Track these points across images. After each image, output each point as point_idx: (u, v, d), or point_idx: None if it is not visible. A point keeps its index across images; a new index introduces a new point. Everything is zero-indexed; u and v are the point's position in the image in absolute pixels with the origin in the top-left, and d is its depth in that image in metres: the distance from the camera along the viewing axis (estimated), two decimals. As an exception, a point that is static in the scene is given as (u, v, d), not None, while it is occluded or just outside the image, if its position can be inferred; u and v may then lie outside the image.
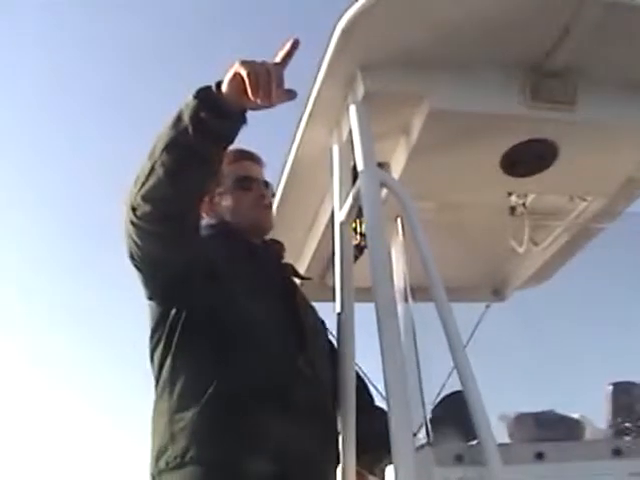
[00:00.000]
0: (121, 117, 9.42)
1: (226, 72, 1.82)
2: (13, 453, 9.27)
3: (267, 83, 1.75)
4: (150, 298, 2.14)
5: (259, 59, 1.80)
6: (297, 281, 2.50)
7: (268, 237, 2.45)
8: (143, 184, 1.90)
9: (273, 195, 2.51)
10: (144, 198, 1.91)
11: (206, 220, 2.36)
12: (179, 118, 1.85)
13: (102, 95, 8.82)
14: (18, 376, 10.62)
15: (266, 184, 2.45)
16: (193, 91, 1.85)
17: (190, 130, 1.82)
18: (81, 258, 9.88)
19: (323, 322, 2.45)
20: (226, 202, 2.39)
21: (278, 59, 1.81)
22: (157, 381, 2.13)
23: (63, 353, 10.57)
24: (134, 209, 1.94)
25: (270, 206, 2.45)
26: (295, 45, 1.82)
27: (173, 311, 2.10)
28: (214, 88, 1.84)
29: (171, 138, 1.86)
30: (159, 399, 2.10)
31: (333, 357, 2.26)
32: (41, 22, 8.61)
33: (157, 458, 2.01)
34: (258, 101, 1.78)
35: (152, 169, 1.88)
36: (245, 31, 8.59)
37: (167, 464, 1.97)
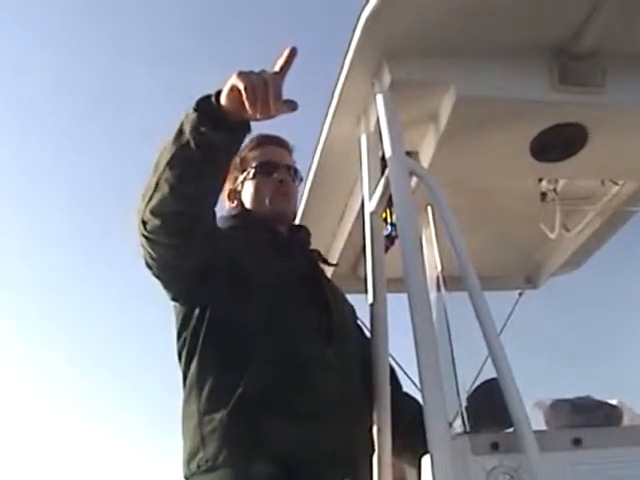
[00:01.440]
0: (123, 114, 9.43)
1: (225, 82, 1.77)
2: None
3: (264, 96, 1.71)
4: (174, 299, 2.15)
5: (257, 69, 1.75)
6: (326, 268, 2.48)
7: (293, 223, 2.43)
8: (150, 198, 1.89)
9: (301, 180, 2.47)
10: (152, 212, 1.89)
11: (228, 209, 2.36)
12: (180, 132, 1.83)
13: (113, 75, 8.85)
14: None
15: (289, 169, 2.40)
16: (193, 103, 1.82)
17: (192, 145, 1.80)
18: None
19: (352, 307, 2.43)
20: (247, 189, 2.36)
21: (277, 68, 1.76)
22: (184, 381, 2.12)
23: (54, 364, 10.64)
24: (144, 223, 1.93)
25: (289, 192, 2.39)
26: (293, 53, 1.76)
27: (197, 311, 2.10)
28: (214, 98, 1.80)
29: (174, 153, 1.84)
30: (187, 401, 2.09)
31: (362, 342, 2.26)
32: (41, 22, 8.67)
33: (188, 461, 2.01)
34: (257, 114, 1.75)
35: (157, 184, 1.86)
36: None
37: (199, 467, 1.97)
